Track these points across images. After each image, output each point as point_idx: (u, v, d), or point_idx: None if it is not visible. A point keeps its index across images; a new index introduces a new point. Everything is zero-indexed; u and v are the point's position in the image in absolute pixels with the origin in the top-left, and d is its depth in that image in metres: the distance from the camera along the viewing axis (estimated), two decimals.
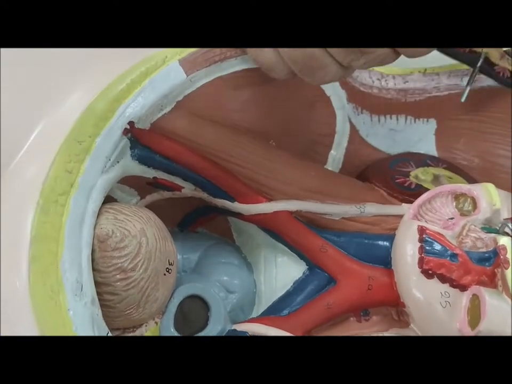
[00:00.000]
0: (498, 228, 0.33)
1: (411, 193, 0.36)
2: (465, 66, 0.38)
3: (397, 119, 0.39)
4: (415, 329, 0.33)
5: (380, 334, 0.33)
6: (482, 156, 0.40)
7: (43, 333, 0.25)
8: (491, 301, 0.29)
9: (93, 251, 0.28)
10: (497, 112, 0.39)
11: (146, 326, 0.31)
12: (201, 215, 0.37)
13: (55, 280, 0.25)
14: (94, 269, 0.28)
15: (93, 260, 0.28)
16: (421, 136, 0.40)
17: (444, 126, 0.40)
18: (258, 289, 0.35)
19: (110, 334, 0.28)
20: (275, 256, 0.35)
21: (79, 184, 0.28)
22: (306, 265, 0.35)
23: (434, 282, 0.31)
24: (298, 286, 0.34)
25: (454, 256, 0.31)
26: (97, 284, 0.28)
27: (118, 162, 0.31)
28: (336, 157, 0.39)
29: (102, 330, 0.27)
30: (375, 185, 0.37)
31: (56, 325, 0.25)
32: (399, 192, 0.36)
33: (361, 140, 0.40)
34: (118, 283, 0.28)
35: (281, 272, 0.35)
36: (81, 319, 0.25)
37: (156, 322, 0.32)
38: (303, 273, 0.35)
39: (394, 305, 0.33)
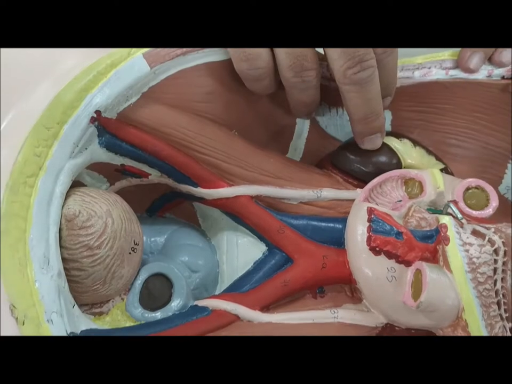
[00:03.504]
0: (442, 209, 0.35)
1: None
2: (416, 61, 0.40)
3: None
4: (367, 304, 0.35)
5: (334, 309, 0.35)
6: (435, 145, 0.42)
7: (12, 298, 0.26)
8: (432, 274, 0.32)
9: (60, 230, 0.30)
10: (447, 104, 0.41)
11: (113, 302, 0.33)
12: (168, 201, 0.39)
13: (23, 255, 0.27)
14: (62, 246, 0.30)
15: (60, 238, 0.30)
16: None
17: (399, 117, 0.42)
18: (221, 269, 0.37)
19: (76, 307, 0.30)
20: (236, 238, 0.37)
21: (47, 167, 0.30)
22: (266, 246, 0.37)
23: (381, 258, 0.33)
24: (258, 265, 0.36)
25: (399, 234, 0.33)
26: (65, 260, 0.30)
27: (86, 149, 0.33)
28: (297, 146, 0.41)
29: (68, 302, 0.29)
30: (332, 172, 0.39)
31: (24, 294, 0.27)
32: (354, 178, 0.38)
33: (320, 131, 0.42)
34: (85, 259, 0.30)
35: (242, 253, 0.37)
36: (47, 289, 0.27)
37: (122, 299, 0.33)
38: (263, 253, 0.37)
39: (347, 282, 0.36)
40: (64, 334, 0.27)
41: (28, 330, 0.26)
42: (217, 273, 0.37)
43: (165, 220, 0.39)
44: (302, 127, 0.41)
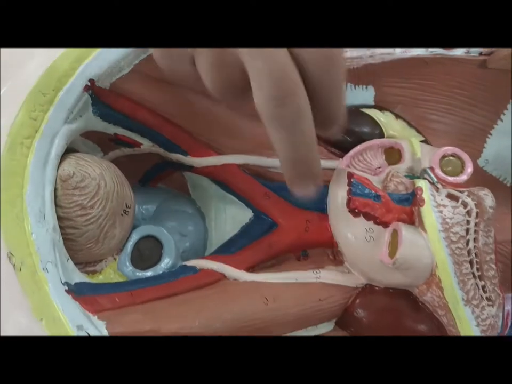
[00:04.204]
0: (419, 175, 0.37)
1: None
2: None
3: None
4: (348, 266, 0.37)
5: (316, 270, 0.36)
6: (416, 120, 0.44)
7: (10, 248, 0.28)
8: (407, 233, 0.33)
9: (56, 189, 0.32)
10: (428, 80, 0.43)
11: (106, 261, 0.35)
12: (160, 171, 0.41)
13: (20, 209, 0.29)
14: (57, 205, 0.32)
15: (56, 197, 0.32)
16: (361, 102, 0.44)
17: (382, 93, 0.43)
18: (210, 235, 0.39)
19: (70, 261, 0.31)
20: (225, 206, 0.39)
21: (43, 131, 0.32)
22: (252, 212, 0.38)
23: (360, 220, 0.35)
24: (245, 229, 0.38)
25: (377, 197, 0.35)
26: (60, 218, 0.32)
27: (80, 116, 0.34)
28: None
29: (62, 255, 0.31)
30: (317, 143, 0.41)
31: (21, 244, 0.29)
32: (338, 148, 0.40)
33: None
34: (79, 218, 0.32)
35: (230, 219, 0.39)
36: (43, 241, 0.29)
37: (115, 258, 0.35)
38: (249, 219, 0.38)
39: (329, 246, 0.37)
40: (59, 283, 0.29)
41: (24, 277, 0.28)
42: (206, 239, 0.39)
43: (157, 189, 0.41)
44: None
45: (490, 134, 0.44)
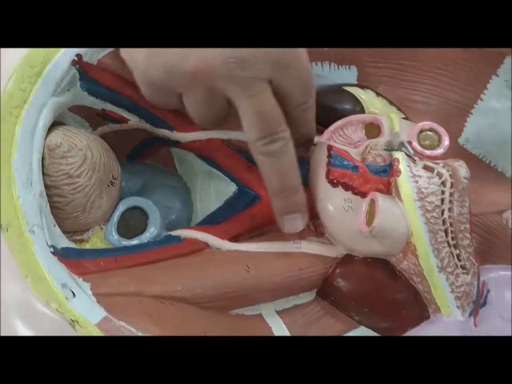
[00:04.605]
0: (397, 148, 0.38)
1: None
2: None
3: (322, 66, 0.44)
4: (328, 237, 0.38)
5: (297, 241, 0.38)
6: (399, 101, 0.45)
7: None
8: (383, 203, 0.35)
9: (43, 159, 0.33)
10: (411, 61, 0.44)
11: (93, 230, 0.36)
12: (147, 147, 0.42)
13: (9, 175, 0.31)
14: (44, 174, 0.33)
15: (44, 166, 0.33)
16: (344, 82, 0.45)
17: (364, 73, 0.44)
18: (195, 208, 0.40)
19: (57, 227, 0.33)
20: (210, 180, 0.40)
21: (31, 101, 0.33)
22: (236, 185, 0.40)
23: (339, 190, 0.36)
24: (229, 202, 0.39)
25: (355, 168, 0.36)
26: (47, 187, 0.33)
27: (68, 90, 0.36)
28: None
29: (49, 221, 0.32)
30: None
31: (8, 208, 0.30)
32: (321, 125, 0.41)
33: None
34: (65, 187, 0.33)
35: (214, 193, 0.40)
36: (29, 206, 0.30)
37: (102, 228, 0.36)
38: (233, 192, 0.40)
39: (311, 217, 0.39)
40: (45, 245, 0.30)
41: (11, 237, 0.29)
42: (191, 212, 0.40)
43: (144, 165, 0.42)
44: None
45: (471, 114, 0.45)
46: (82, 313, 0.28)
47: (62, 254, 0.31)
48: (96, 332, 0.28)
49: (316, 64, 0.44)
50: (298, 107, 0.35)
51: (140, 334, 0.29)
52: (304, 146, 0.38)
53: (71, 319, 0.28)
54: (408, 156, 0.37)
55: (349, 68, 0.45)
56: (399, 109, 0.43)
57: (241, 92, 0.32)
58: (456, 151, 0.44)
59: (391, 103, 0.43)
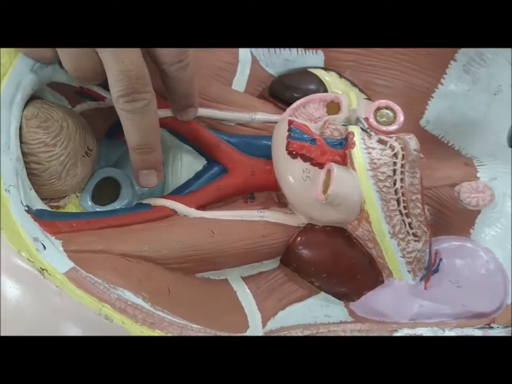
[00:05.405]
0: (354, 124, 0.41)
1: None
2: None
3: (290, 51, 0.47)
4: (291, 208, 0.41)
5: (261, 210, 0.40)
6: (364, 85, 0.48)
7: None
8: (338, 172, 0.37)
9: (21, 128, 0.35)
10: None
11: (69, 198, 0.39)
12: None
13: None
14: (22, 142, 0.35)
15: (21, 135, 0.35)
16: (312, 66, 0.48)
17: (331, 58, 0.47)
18: (167, 180, 0.42)
19: (33, 191, 0.35)
20: (181, 154, 0.43)
21: (10, 74, 0.35)
22: (206, 160, 0.42)
23: (298, 161, 0.38)
24: (198, 174, 0.42)
25: (313, 140, 0.39)
26: (25, 154, 0.35)
27: (47, 66, 0.38)
28: (239, 82, 0.47)
29: (25, 184, 0.34)
30: (268, 100, 0.45)
31: None
32: (287, 104, 0.44)
33: (261, 69, 0.47)
34: (42, 154, 0.36)
35: (185, 166, 0.42)
36: (6, 168, 0.33)
37: (77, 196, 0.39)
38: (203, 166, 0.42)
39: (274, 189, 0.41)
40: (20, 204, 0.33)
41: None
42: (164, 184, 0.42)
43: (121, 142, 0.44)
44: (244, 65, 0.47)
45: (432, 97, 0.47)
46: (52, 262, 0.31)
47: (36, 214, 0.34)
48: (64, 280, 0.30)
49: (285, 49, 0.47)
50: (173, 65, 0.36)
51: (106, 284, 0.31)
52: (185, 112, 0.40)
53: (41, 268, 0.30)
54: (364, 130, 0.39)
55: (316, 52, 0.47)
56: (361, 90, 0.45)
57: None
58: (417, 132, 0.47)
59: (353, 84, 0.45)
